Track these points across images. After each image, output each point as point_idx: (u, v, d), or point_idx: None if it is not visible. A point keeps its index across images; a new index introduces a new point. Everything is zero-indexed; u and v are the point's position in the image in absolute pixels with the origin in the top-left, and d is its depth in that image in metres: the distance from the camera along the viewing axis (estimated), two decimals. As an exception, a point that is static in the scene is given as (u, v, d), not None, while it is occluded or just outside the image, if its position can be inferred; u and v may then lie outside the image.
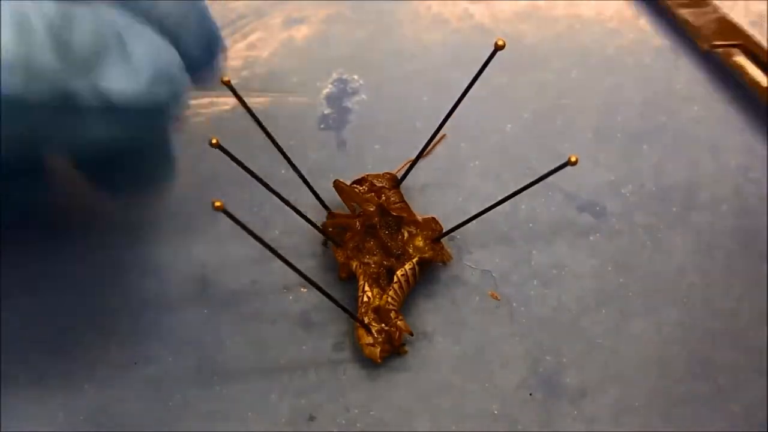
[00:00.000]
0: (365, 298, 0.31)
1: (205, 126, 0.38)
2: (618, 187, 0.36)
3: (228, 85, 0.28)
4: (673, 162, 0.37)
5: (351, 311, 0.30)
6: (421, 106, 0.38)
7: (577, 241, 0.34)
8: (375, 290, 0.31)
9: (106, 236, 0.34)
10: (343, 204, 0.34)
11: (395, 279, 0.31)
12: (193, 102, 0.40)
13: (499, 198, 0.30)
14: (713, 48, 0.40)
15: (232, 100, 0.29)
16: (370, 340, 0.29)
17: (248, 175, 0.29)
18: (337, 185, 0.34)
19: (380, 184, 0.34)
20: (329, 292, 0.33)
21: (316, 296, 0.33)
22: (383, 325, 0.30)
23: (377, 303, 0.30)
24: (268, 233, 0.34)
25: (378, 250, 0.32)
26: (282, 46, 0.42)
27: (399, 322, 0.30)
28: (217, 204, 0.22)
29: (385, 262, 0.31)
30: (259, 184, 0.29)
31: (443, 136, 0.37)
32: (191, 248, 0.34)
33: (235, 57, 0.42)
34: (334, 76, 0.40)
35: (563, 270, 0.33)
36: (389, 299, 0.30)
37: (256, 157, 0.37)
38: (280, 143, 0.33)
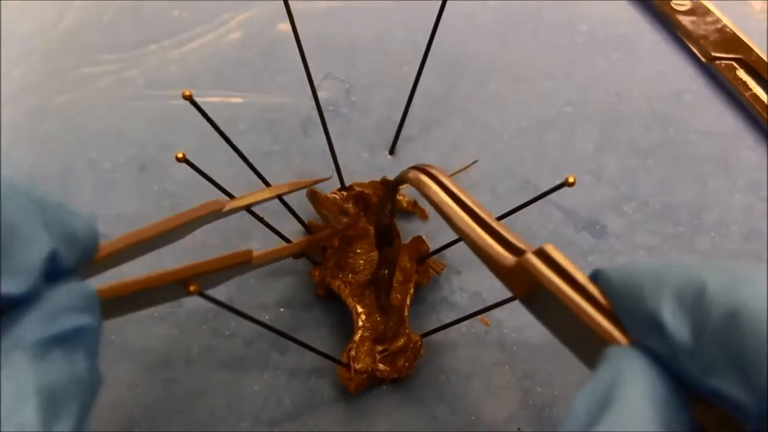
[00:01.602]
0: (360, 322, 0.28)
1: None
2: (620, 205, 0.34)
3: (189, 99, 0.26)
4: (679, 178, 0.35)
5: (333, 354, 0.28)
6: (414, 111, 0.36)
7: (575, 262, 0.32)
8: (366, 309, 0.29)
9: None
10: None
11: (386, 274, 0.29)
12: (171, 102, 0.38)
13: (494, 214, 0.28)
14: (712, 60, 0.38)
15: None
16: (347, 374, 0.27)
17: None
18: (312, 195, 0.31)
19: (368, 191, 0.32)
20: (309, 310, 0.31)
21: (295, 316, 0.31)
22: (382, 347, 0.28)
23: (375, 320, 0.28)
24: (246, 247, 0.32)
25: (362, 267, 0.30)
26: (268, 43, 0.40)
27: (383, 368, 0.27)
28: (192, 288, 0.20)
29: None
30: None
31: (474, 162, 0.35)
32: (163, 260, 0.32)
33: (219, 54, 0.39)
34: (322, 76, 0.38)
35: (559, 294, 0.31)
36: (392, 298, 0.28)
37: (234, 162, 0.35)
38: (262, 148, 0.31)
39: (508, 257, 0.20)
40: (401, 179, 0.25)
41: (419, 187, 0.23)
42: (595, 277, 0.18)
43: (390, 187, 0.27)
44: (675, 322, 0.16)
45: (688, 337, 0.16)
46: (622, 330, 0.17)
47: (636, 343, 0.17)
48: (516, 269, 0.19)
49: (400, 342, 0.28)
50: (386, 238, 0.29)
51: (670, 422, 0.16)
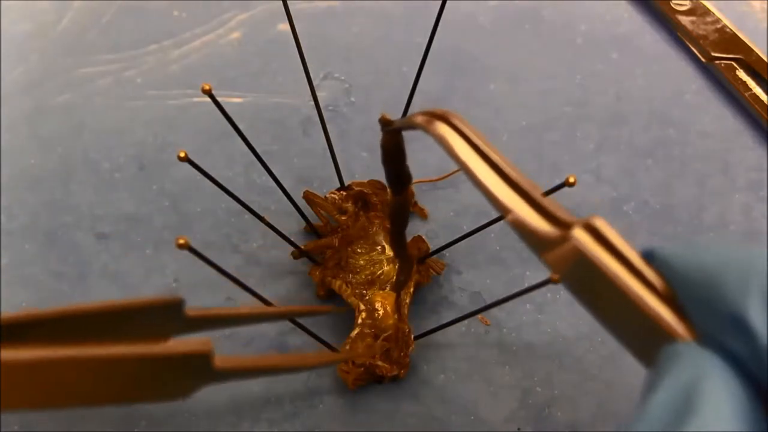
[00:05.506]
0: (359, 320, 0.28)
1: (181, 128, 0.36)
2: (620, 205, 0.34)
3: (208, 93, 0.26)
4: (679, 178, 0.35)
5: (332, 344, 0.28)
6: (414, 111, 0.36)
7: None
8: (368, 307, 0.29)
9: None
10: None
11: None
12: (170, 102, 0.38)
13: (494, 214, 0.28)
14: (712, 60, 0.38)
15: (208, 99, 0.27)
16: (345, 367, 0.27)
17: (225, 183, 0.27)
18: (308, 197, 0.32)
19: (368, 191, 0.32)
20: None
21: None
22: (382, 343, 0.28)
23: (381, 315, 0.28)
24: (246, 246, 0.32)
25: (363, 267, 0.30)
26: (268, 43, 0.40)
27: (382, 365, 0.27)
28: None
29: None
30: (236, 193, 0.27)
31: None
32: (163, 262, 0.32)
33: (219, 54, 0.39)
34: (322, 76, 0.38)
35: (558, 294, 0.31)
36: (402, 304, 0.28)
37: (234, 162, 0.35)
38: (262, 148, 0.31)
39: (549, 229, 0.17)
40: (407, 124, 0.20)
41: (431, 132, 0.19)
42: (649, 257, 0.16)
43: (391, 129, 0.22)
44: (765, 322, 0.14)
45: None
46: (685, 321, 0.15)
47: (703, 337, 0.15)
48: (558, 244, 0.17)
49: (390, 330, 0.28)
50: (400, 183, 0.24)
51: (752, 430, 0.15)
